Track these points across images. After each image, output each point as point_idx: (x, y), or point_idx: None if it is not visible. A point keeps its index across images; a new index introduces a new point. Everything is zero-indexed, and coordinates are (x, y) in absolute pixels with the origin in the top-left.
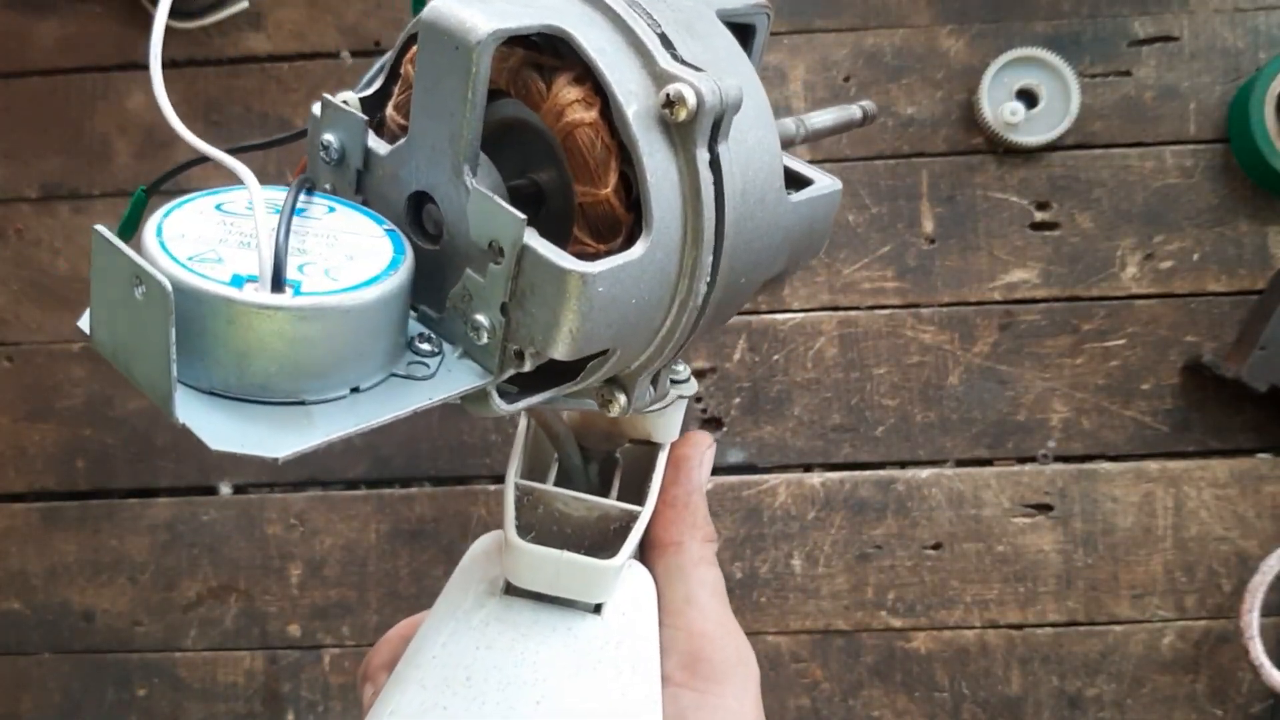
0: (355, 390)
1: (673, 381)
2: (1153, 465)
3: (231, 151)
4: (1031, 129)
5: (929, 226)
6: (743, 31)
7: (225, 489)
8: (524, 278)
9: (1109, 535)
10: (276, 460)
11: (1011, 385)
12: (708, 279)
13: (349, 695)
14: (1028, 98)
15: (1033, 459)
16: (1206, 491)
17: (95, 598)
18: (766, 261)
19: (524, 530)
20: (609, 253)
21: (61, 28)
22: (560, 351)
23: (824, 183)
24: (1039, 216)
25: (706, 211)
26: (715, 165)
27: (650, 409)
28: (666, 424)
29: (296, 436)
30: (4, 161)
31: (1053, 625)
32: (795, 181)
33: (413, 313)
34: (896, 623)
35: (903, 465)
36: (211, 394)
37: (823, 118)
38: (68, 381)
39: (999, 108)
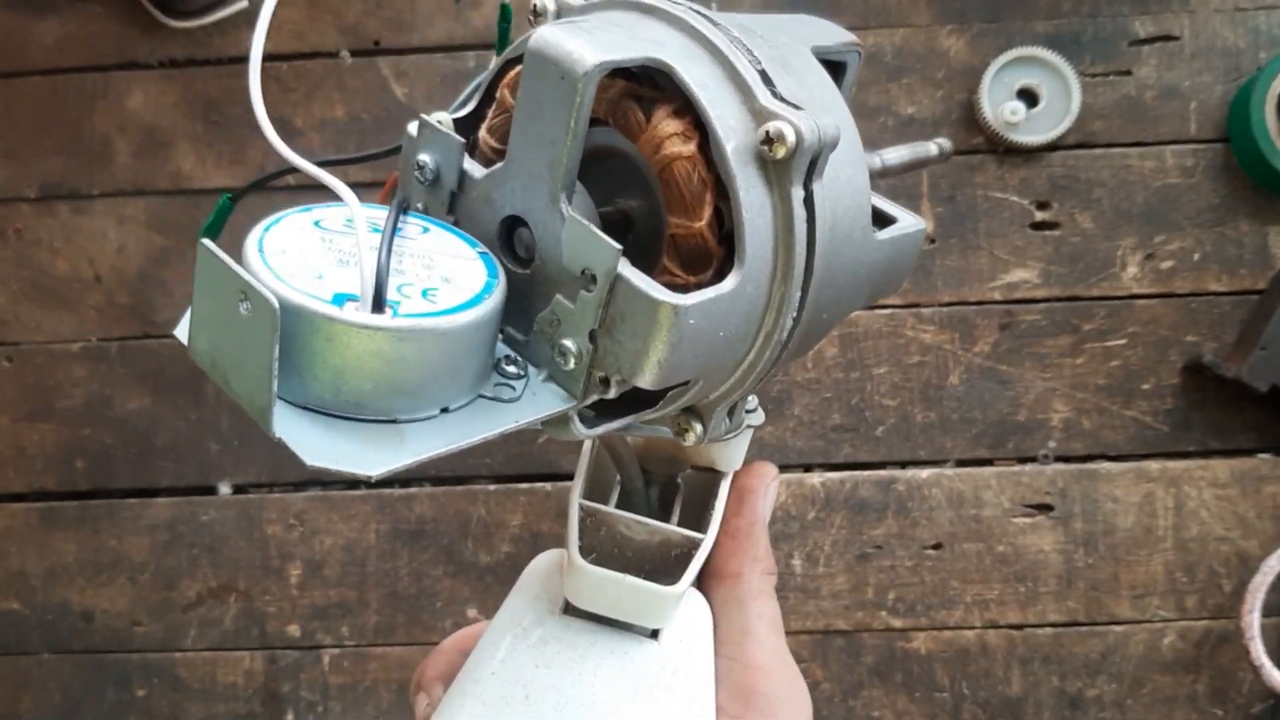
0: (445, 410)
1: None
2: (1153, 465)
3: (320, 165)
4: (1032, 128)
5: (929, 226)
6: (833, 68)
7: (225, 489)
8: (615, 306)
9: (1109, 535)
10: (370, 478)
11: (1012, 385)
12: (794, 314)
13: (348, 696)
14: (1028, 97)
15: (1033, 459)
16: (1207, 492)
17: (95, 598)
18: (849, 297)
19: (585, 551)
20: (698, 284)
21: (61, 27)
22: (647, 381)
23: (908, 221)
24: (1039, 216)
25: (798, 248)
26: (809, 203)
27: (723, 439)
28: (731, 453)
29: (389, 455)
30: (3, 161)
31: (1053, 625)
32: (879, 219)
33: (499, 334)
34: (897, 623)
35: (903, 465)
36: (306, 409)
37: (899, 153)
38: (67, 381)
39: (999, 107)
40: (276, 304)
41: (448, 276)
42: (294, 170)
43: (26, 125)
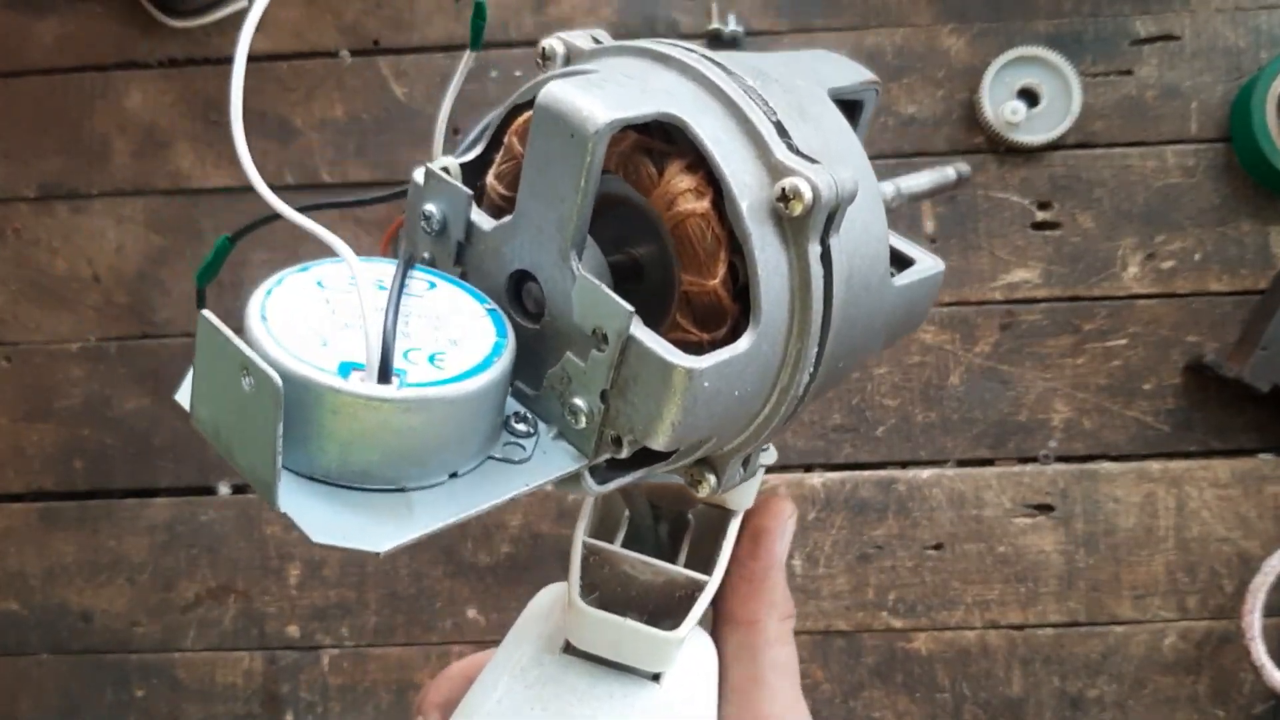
0: (454, 475)
1: None
2: (1154, 465)
3: (315, 207)
4: (1033, 128)
5: (930, 226)
6: (850, 106)
7: (224, 489)
8: (627, 367)
9: (1110, 536)
10: (379, 554)
11: (1013, 385)
12: (811, 369)
13: (347, 696)
14: (1029, 97)
15: (1034, 459)
16: (1208, 492)
17: (94, 598)
18: (864, 345)
19: (588, 589)
20: (712, 342)
21: (61, 27)
22: (660, 443)
23: (926, 263)
24: (1040, 216)
25: (816, 305)
26: (826, 258)
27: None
28: (741, 491)
29: (396, 528)
30: (3, 161)
31: (1054, 626)
32: (896, 260)
33: (509, 389)
34: (897, 623)
35: (904, 465)
36: (311, 479)
37: (918, 180)
38: (66, 381)
39: (1000, 107)
40: (279, 382)
41: (455, 339)
42: (278, 217)
43: (26, 125)
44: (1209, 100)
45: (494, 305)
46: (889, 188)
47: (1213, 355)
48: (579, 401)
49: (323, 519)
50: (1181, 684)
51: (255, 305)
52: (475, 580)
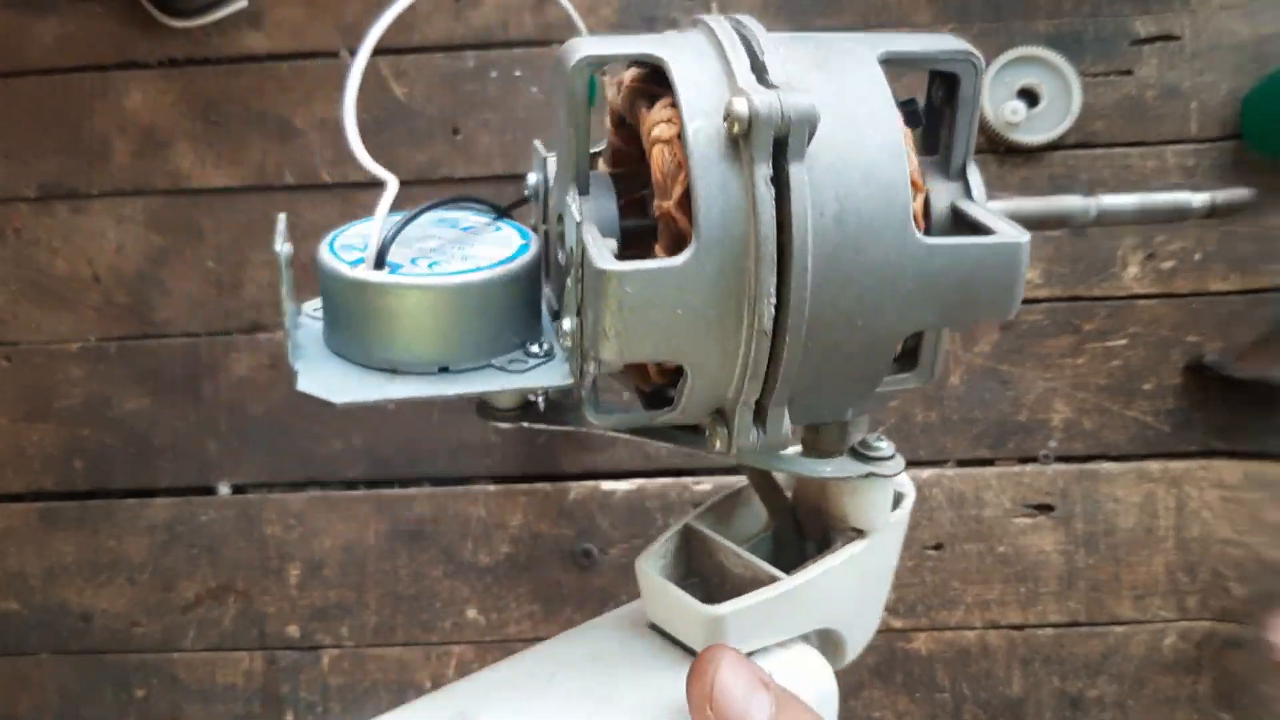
0: (444, 370)
1: (867, 457)
2: (1154, 465)
3: (458, 199)
4: (1033, 128)
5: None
6: (949, 82)
7: (224, 489)
8: (586, 281)
9: (1110, 536)
10: (334, 405)
11: (1013, 385)
12: (771, 300)
13: (348, 696)
14: (1029, 97)
15: (1034, 459)
16: (1209, 492)
17: (93, 598)
18: (890, 306)
19: (690, 574)
20: None
21: (60, 27)
22: (604, 352)
23: (1004, 231)
24: None
25: (764, 229)
26: (780, 182)
27: (755, 450)
28: (861, 506)
29: (363, 390)
30: (2, 161)
31: (1054, 626)
32: (973, 228)
33: (551, 315)
34: (897, 623)
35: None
36: (338, 355)
37: (1124, 199)
38: (66, 381)
39: (1000, 107)
40: (281, 252)
41: (467, 257)
42: (443, 203)
43: (26, 125)
44: (1209, 100)
45: (527, 242)
46: (1083, 201)
47: (1213, 355)
48: (565, 322)
49: (313, 378)
50: (1181, 684)
51: (346, 225)
52: (475, 580)
